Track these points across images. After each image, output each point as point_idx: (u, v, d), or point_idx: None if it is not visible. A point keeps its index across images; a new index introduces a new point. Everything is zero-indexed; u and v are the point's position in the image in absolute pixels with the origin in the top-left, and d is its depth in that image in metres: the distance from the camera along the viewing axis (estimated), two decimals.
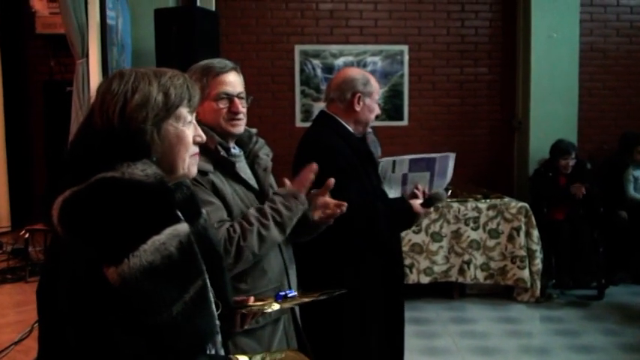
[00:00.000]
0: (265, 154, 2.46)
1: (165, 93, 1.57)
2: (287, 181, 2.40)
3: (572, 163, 6.32)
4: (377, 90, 3.09)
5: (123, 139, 1.51)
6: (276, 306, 1.90)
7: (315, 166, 2.32)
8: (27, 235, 4.87)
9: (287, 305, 2.01)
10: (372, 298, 3.02)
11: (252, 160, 2.42)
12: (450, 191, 3.22)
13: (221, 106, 2.27)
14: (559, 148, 6.40)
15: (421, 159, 3.21)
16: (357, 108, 3.02)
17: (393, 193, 3.26)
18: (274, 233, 2.20)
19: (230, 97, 2.29)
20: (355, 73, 3.13)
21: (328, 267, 2.76)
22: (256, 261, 2.22)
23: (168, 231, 1.43)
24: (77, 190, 1.42)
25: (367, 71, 3.25)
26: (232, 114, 2.29)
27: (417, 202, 3.02)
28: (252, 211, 2.21)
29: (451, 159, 3.37)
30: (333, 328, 2.89)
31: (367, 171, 3.03)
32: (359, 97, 3.02)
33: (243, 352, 2.10)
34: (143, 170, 1.46)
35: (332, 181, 2.41)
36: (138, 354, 1.43)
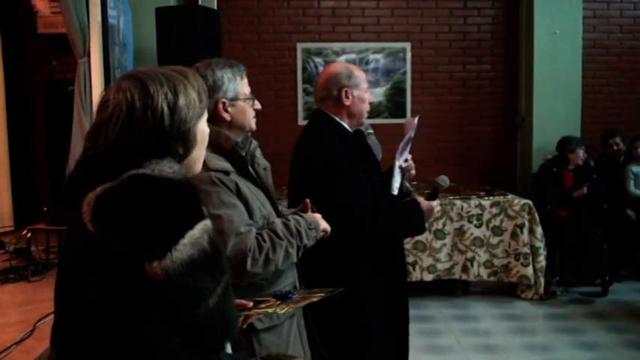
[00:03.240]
0: (260, 154, 2.50)
1: (198, 92, 1.64)
2: (308, 202, 2.46)
3: (584, 155, 6.40)
4: (363, 79, 3.07)
5: (173, 140, 1.57)
6: (279, 309, 1.94)
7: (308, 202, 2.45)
8: (29, 235, 4.85)
9: (289, 308, 2.03)
10: (376, 298, 3.01)
11: (251, 161, 2.44)
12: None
13: (251, 104, 2.36)
14: (569, 142, 6.42)
15: (404, 145, 3.20)
16: (347, 102, 3.01)
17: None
18: (294, 253, 2.24)
19: (253, 97, 2.38)
20: (337, 67, 3.12)
21: (331, 267, 2.75)
22: None
23: (199, 226, 1.47)
24: (110, 187, 1.44)
25: (354, 64, 3.25)
26: (255, 112, 2.40)
27: (422, 199, 3.05)
28: (279, 225, 2.24)
29: (416, 120, 3.35)
30: (339, 327, 2.89)
31: (365, 168, 3.01)
32: (346, 92, 3.01)
33: (267, 349, 2.21)
34: (170, 167, 1.50)
35: (308, 201, 2.48)
36: (171, 348, 1.49)
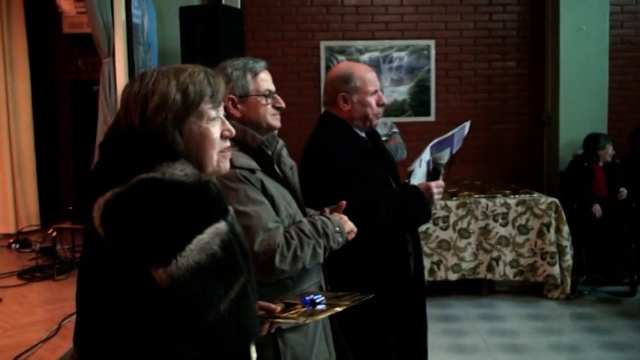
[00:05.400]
0: (286, 154, 2.49)
1: (184, 91, 1.56)
2: (344, 204, 2.45)
3: (612, 151, 6.39)
4: (368, 82, 2.91)
5: (144, 141, 1.51)
6: (301, 319, 1.92)
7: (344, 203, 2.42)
8: (55, 234, 4.90)
9: (313, 319, 2.01)
10: (389, 300, 2.94)
11: (277, 160, 2.43)
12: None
13: (268, 102, 2.33)
14: (598, 138, 6.40)
15: (441, 141, 3.09)
16: (345, 107, 2.91)
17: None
18: (321, 254, 2.23)
19: (272, 94, 2.35)
20: (337, 71, 2.99)
21: (344, 270, 2.71)
22: None
23: (210, 230, 1.44)
24: (119, 191, 1.42)
25: (362, 64, 3.12)
26: (276, 109, 2.36)
27: (422, 182, 2.93)
28: (307, 224, 2.23)
29: (467, 126, 3.21)
30: (351, 328, 2.85)
31: (372, 168, 2.91)
32: (343, 97, 2.90)
33: (292, 348, 2.19)
34: (182, 170, 1.47)
35: (344, 203, 2.44)
36: (187, 356, 1.47)
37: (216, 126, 1.63)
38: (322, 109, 3.11)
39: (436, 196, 2.91)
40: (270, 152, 2.32)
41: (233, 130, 1.69)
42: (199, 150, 1.59)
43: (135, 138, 1.51)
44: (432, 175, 3.01)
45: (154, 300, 1.41)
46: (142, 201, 1.41)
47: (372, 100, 2.93)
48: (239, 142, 2.23)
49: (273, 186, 2.24)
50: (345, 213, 2.42)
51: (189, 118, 1.57)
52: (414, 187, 2.92)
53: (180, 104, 1.55)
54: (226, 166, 1.68)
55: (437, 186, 2.92)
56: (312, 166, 2.89)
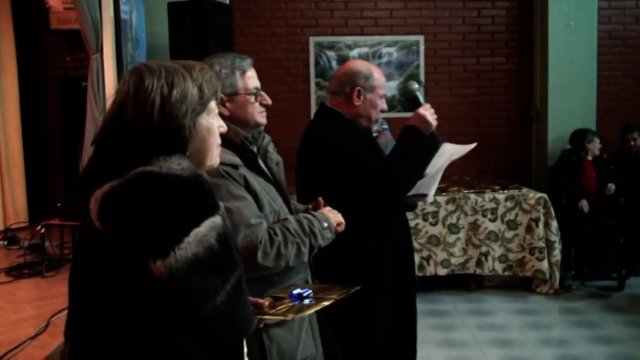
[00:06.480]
0: (273, 149, 2.50)
1: (200, 87, 1.60)
2: (321, 200, 2.46)
3: (600, 145, 6.43)
4: (382, 85, 2.97)
5: (163, 134, 1.52)
6: (289, 316, 1.92)
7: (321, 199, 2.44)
8: (43, 230, 4.88)
9: (301, 315, 2.01)
10: (382, 289, 2.96)
11: (263, 155, 2.44)
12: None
13: (257, 99, 2.33)
14: (585, 132, 6.47)
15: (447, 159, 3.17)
16: (357, 102, 2.93)
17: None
18: (305, 253, 2.23)
19: (259, 91, 2.35)
20: (358, 65, 3.01)
21: (336, 258, 2.71)
22: None
23: (206, 223, 1.46)
24: (117, 184, 1.44)
25: (375, 64, 3.16)
26: (263, 107, 2.37)
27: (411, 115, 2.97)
28: (293, 222, 2.23)
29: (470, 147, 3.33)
30: (341, 318, 2.85)
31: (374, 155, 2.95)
32: (359, 91, 2.93)
33: (277, 343, 2.19)
34: (179, 164, 1.49)
35: (321, 199, 2.46)
36: (184, 348, 1.49)
37: (217, 121, 1.68)
38: (313, 102, 3.14)
39: (429, 117, 2.94)
40: (253, 148, 2.32)
41: (225, 127, 1.73)
42: (205, 144, 1.63)
43: (150, 130, 1.52)
44: (413, 104, 3.03)
45: (151, 293, 1.43)
46: (139, 194, 1.43)
47: (380, 103, 2.98)
48: (222, 138, 2.23)
49: (257, 181, 2.24)
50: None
51: (202, 114, 1.61)
52: (405, 126, 2.95)
53: (197, 99, 1.59)
54: (218, 160, 1.72)
55: (424, 110, 2.95)
56: (318, 160, 2.90)
